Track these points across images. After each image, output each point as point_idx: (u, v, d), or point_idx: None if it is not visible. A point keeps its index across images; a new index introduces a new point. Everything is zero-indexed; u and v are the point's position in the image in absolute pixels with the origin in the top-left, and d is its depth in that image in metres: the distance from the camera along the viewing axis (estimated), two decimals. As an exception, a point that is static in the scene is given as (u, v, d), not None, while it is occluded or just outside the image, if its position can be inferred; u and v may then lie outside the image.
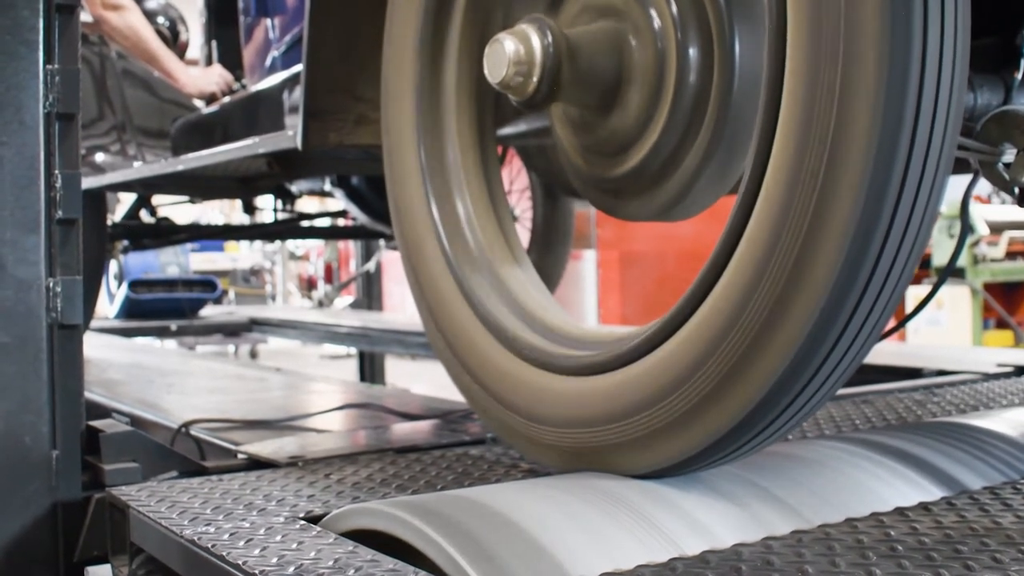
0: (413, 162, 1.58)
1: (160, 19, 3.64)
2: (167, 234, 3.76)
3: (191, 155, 2.43)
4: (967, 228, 1.64)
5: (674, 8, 1.28)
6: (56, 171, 1.62)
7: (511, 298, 1.49)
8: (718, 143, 1.28)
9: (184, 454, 1.70)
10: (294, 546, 1.18)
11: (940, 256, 6.47)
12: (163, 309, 5.13)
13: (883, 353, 2.86)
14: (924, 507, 1.25)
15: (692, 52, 1.27)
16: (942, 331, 6.25)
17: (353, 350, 5.92)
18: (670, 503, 1.20)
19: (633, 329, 1.29)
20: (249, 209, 3.69)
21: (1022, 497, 1.29)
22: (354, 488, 1.46)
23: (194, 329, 5.04)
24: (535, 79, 1.32)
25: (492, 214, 1.57)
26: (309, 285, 11.54)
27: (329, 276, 11.14)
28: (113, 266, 5.38)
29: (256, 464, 1.69)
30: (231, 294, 9.75)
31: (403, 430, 1.89)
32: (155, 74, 3.34)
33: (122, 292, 5.18)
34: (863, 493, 1.32)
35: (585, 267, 6.83)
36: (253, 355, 8.39)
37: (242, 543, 1.20)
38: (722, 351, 1.11)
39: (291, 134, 1.86)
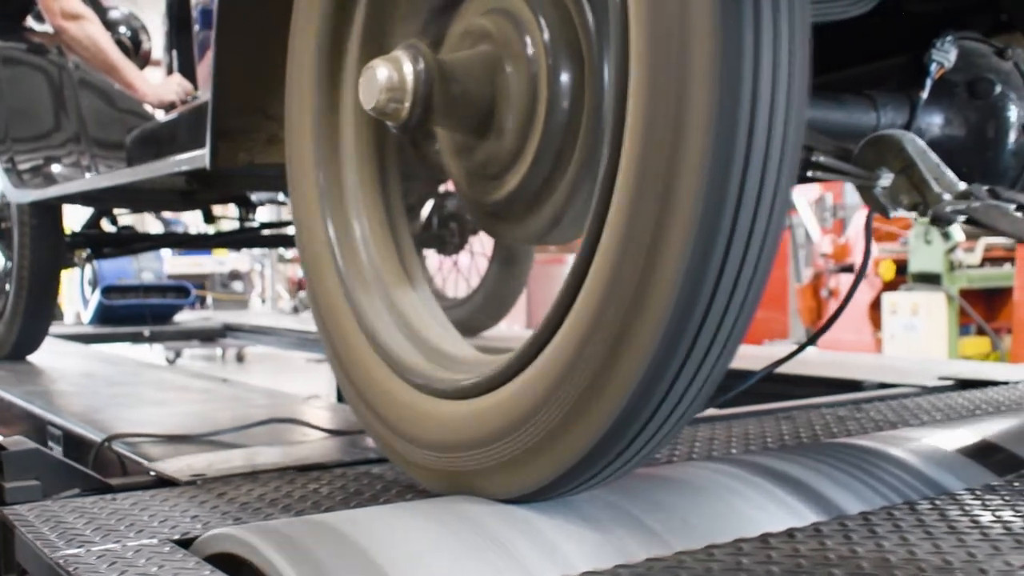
0: (311, 182, 1.59)
1: (122, 28, 3.65)
2: (128, 243, 3.78)
3: (112, 172, 2.45)
4: (870, 244, 1.65)
5: (546, 34, 1.29)
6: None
7: (401, 320, 1.50)
8: (590, 168, 1.29)
9: (88, 471, 1.70)
10: (154, 570, 1.18)
11: (916, 262, 6.47)
12: (137, 315, 5.16)
13: (826, 365, 2.87)
14: (789, 533, 1.25)
15: (563, 78, 1.28)
16: (918, 337, 6.24)
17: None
18: (529, 528, 1.21)
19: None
20: (209, 218, 3.71)
21: (892, 523, 1.29)
22: (241, 508, 1.47)
23: (168, 335, 5.06)
24: (407, 105, 1.33)
25: (389, 236, 1.58)
26: (299, 287, 11.56)
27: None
28: (88, 272, 5.40)
29: (161, 482, 1.70)
30: (209, 299, 9.76)
31: (315, 447, 1.90)
32: (115, 86, 3.36)
33: (96, 298, 5.21)
34: (735, 518, 1.32)
35: (567, 272, 6.83)
36: (240, 359, 8.43)
37: (105, 566, 1.21)
38: (573, 379, 1.13)
39: (200, 154, 1.87)
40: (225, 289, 10.42)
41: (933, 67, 1.64)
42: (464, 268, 4.19)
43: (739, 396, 2.47)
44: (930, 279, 6.27)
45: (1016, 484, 1.49)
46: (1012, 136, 1.66)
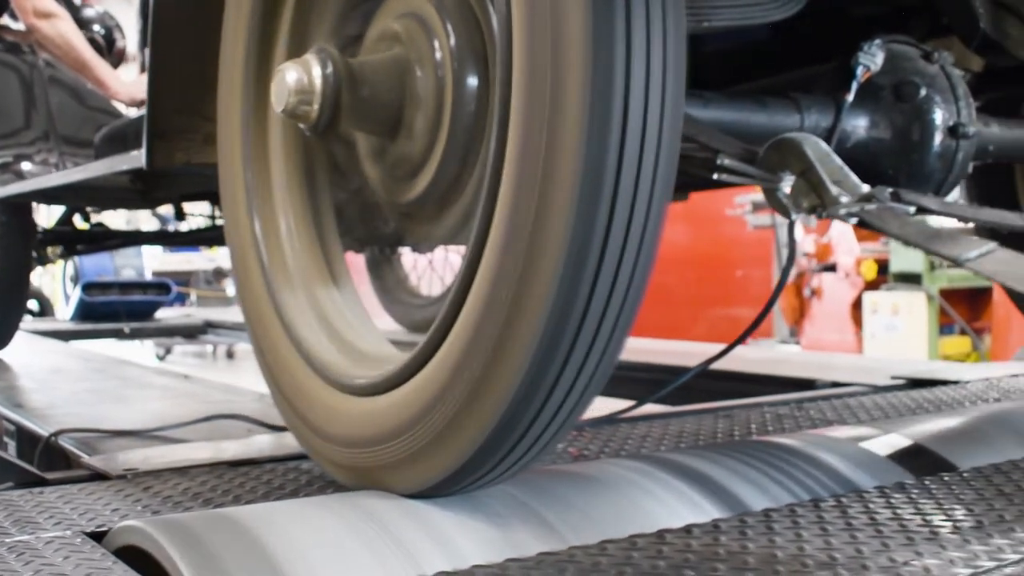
0: (240, 181, 1.62)
1: (96, 27, 3.68)
2: (100, 240, 3.81)
3: (53, 174, 2.48)
4: (794, 251, 1.67)
5: (452, 40, 1.31)
6: None
7: (321, 318, 1.52)
8: (496, 170, 1.31)
9: (24, 465, 1.73)
10: (59, 560, 1.21)
11: (898, 262, 6.49)
12: (117, 312, 5.19)
13: (783, 364, 2.89)
14: (687, 529, 1.28)
15: (469, 82, 1.30)
16: (899, 337, 6.26)
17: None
18: (427, 523, 1.23)
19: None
20: (181, 215, 3.74)
21: (791, 520, 1.32)
22: (163, 502, 1.50)
23: (148, 331, 5.09)
24: (316, 107, 1.35)
25: (314, 235, 1.60)
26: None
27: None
28: (70, 268, 5.44)
29: (96, 476, 1.73)
30: (192, 296, 9.80)
31: (254, 442, 1.92)
32: (88, 86, 3.38)
33: (76, 295, 5.25)
34: (638, 514, 1.35)
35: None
36: (230, 356, 8.47)
37: (14, 557, 1.23)
38: (462, 378, 1.15)
39: (138, 154, 1.90)
40: (209, 286, 10.43)
41: (859, 70, 1.65)
42: (439, 265, 4.22)
43: (693, 394, 2.50)
44: (911, 279, 6.30)
45: (927, 483, 1.51)
46: (937, 139, 1.67)
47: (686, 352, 3.21)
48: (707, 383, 2.67)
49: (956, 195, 2.77)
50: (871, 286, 6.68)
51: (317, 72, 1.35)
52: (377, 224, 1.63)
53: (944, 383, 2.59)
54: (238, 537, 1.17)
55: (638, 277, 1.09)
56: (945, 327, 6.42)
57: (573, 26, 1.02)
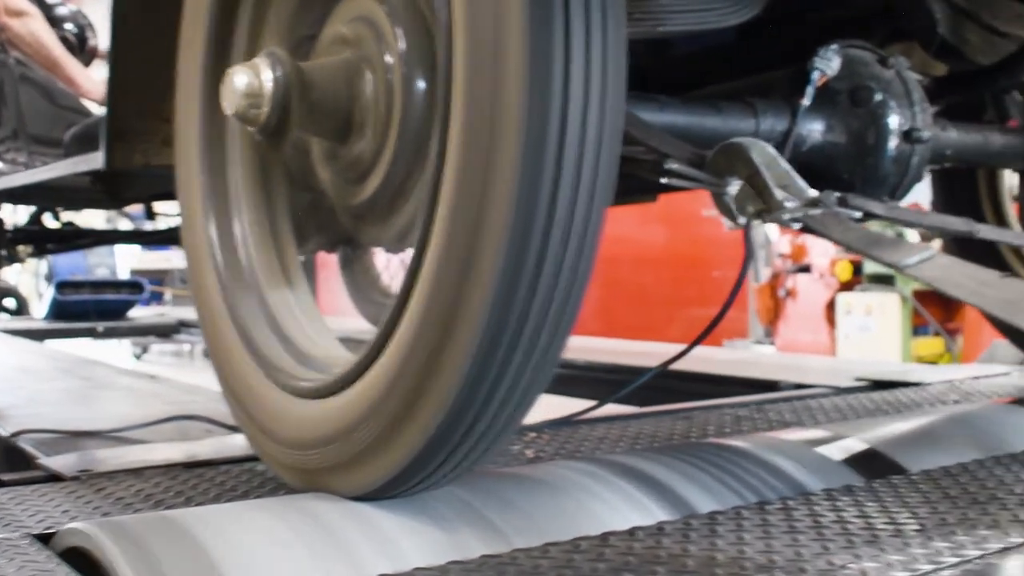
0: (197, 182, 1.62)
1: (68, 25, 3.67)
2: (70, 239, 3.80)
3: (23, 172, 2.47)
4: (751, 253, 1.68)
5: (401, 43, 1.32)
6: None
7: (272, 320, 1.52)
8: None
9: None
10: (2, 562, 1.21)
11: (871, 263, 6.52)
12: (90, 311, 5.17)
13: (748, 365, 2.91)
14: (631, 532, 1.29)
15: (418, 86, 1.31)
16: (872, 338, 6.30)
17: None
18: (370, 525, 1.24)
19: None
20: (151, 215, 3.73)
21: (735, 523, 1.33)
22: (114, 503, 1.50)
23: (122, 331, 5.08)
24: (266, 110, 1.36)
25: (269, 237, 1.60)
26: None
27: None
28: (44, 267, 5.42)
29: (51, 477, 1.72)
30: (168, 295, 9.78)
31: (213, 443, 1.92)
32: (59, 84, 3.37)
33: (50, 293, 5.23)
34: (584, 517, 1.35)
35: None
36: (207, 354, 8.41)
37: (-42, 560, 1.23)
38: (404, 380, 1.16)
39: (97, 155, 1.90)
40: (184, 285, 10.38)
41: (815, 75, 1.66)
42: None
43: (658, 396, 2.51)
44: (884, 280, 6.35)
45: (875, 486, 1.52)
46: (892, 143, 1.68)
47: (652, 353, 3.22)
48: (672, 384, 2.69)
49: (928, 199, 2.79)
50: (845, 287, 6.73)
51: (267, 75, 1.35)
52: (331, 226, 1.64)
53: (906, 385, 2.61)
54: (180, 540, 1.17)
55: (577, 282, 1.10)
56: (919, 328, 6.46)
57: (512, 32, 1.03)
